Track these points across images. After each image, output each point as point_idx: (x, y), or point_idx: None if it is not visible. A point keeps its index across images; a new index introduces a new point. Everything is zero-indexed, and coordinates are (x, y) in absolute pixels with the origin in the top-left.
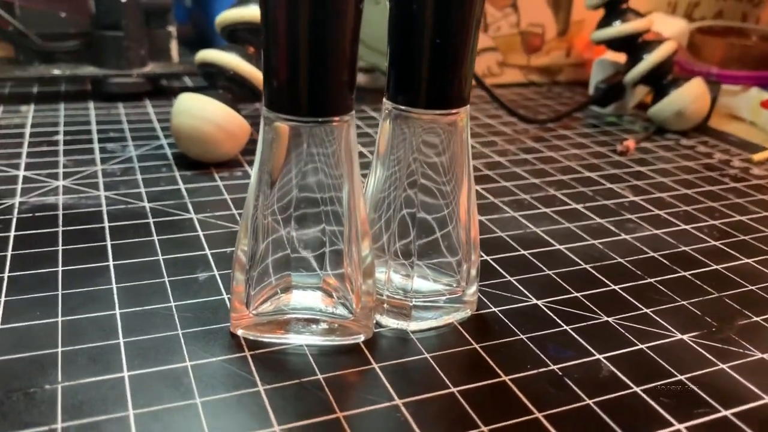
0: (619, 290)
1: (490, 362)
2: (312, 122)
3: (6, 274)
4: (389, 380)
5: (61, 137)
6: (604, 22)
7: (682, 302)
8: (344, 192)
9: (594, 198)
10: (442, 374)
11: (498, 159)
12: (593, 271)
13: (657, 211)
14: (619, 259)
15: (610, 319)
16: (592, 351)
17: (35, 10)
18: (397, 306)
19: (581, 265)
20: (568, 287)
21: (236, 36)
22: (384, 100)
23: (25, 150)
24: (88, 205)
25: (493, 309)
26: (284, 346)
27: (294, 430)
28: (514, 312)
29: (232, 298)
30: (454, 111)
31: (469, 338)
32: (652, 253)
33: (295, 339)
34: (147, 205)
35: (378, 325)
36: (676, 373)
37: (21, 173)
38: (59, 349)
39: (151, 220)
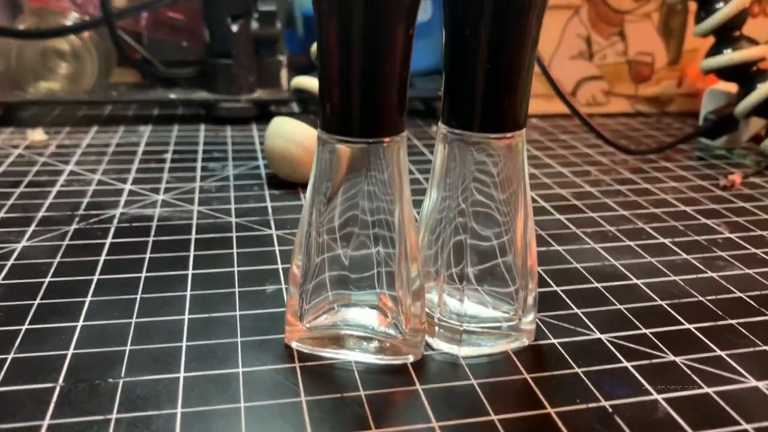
0: (693, 330)
1: (538, 393)
2: (363, 143)
3: (96, 277)
4: (430, 402)
5: (169, 156)
6: (714, 50)
7: (765, 347)
8: (396, 213)
9: (685, 233)
10: (485, 401)
11: (589, 189)
12: (669, 309)
13: (754, 250)
14: (701, 298)
15: (677, 359)
16: (650, 390)
17: (160, 40)
18: (449, 330)
19: (657, 301)
20: (637, 323)
21: None
22: (439, 123)
23: (135, 166)
24: (180, 217)
25: (553, 340)
26: (334, 360)
27: None
28: (573, 345)
29: (286, 311)
30: (508, 135)
31: (521, 368)
32: (739, 294)
33: (346, 355)
34: (233, 220)
35: (429, 347)
36: (741, 421)
37: (127, 187)
38: (127, 348)
39: (234, 234)
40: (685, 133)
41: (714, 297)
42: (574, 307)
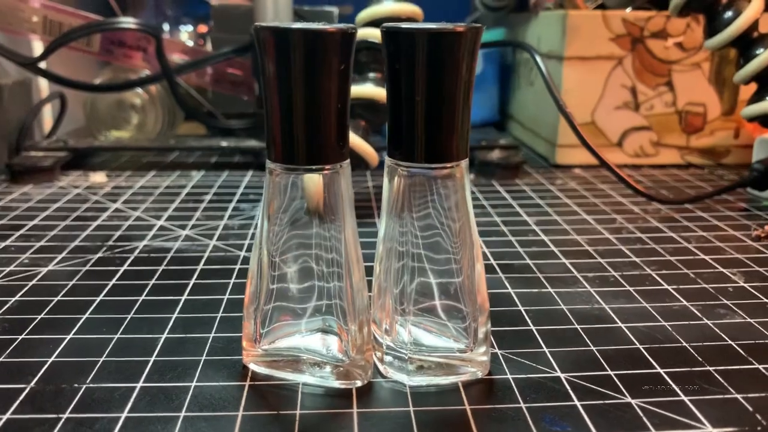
0: (664, 374)
1: (472, 424)
2: (304, 170)
3: (99, 298)
4: (359, 425)
5: (209, 197)
6: (756, 97)
7: (736, 395)
8: (342, 241)
9: (694, 281)
10: (414, 427)
11: (607, 236)
12: (645, 353)
13: (765, 300)
14: (685, 344)
15: (633, 401)
16: (591, 428)
17: (223, 95)
18: (398, 358)
19: (635, 345)
20: (605, 365)
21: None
22: (386, 156)
23: (174, 205)
24: (195, 250)
25: (508, 376)
26: (286, 382)
27: None
28: (528, 381)
29: (242, 334)
30: (449, 165)
31: (464, 399)
32: (729, 342)
33: (298, 377)
34: (242, 253)
35: (381, 375)
36: None
37: (159, 223)
38: (101, 359)
39: (237, 266)
40: (729, 183)
41: (700, 344)
42: (543, 346)
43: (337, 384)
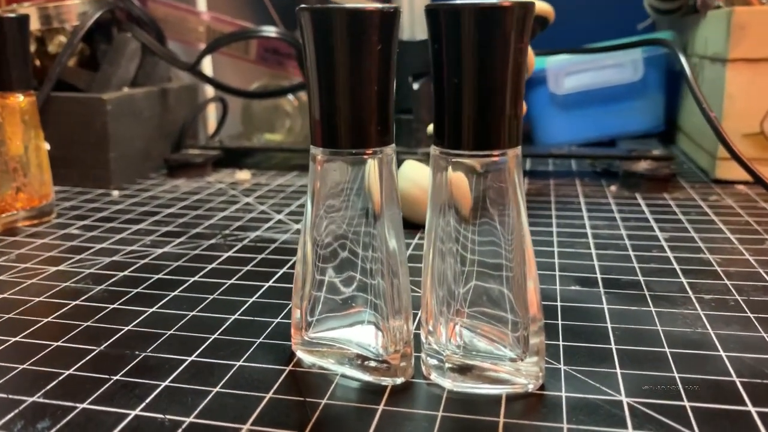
0: (754, 413)
1: None
2: (345, 153)
3: (193, 278)
4: (378, 421)
5: None
6: None
7: None
8: (381, 237)
9: None
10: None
11: (746, 257)
12: (740, 387)
13: None
14: None
15: None
16: None
17: None
18: (439, 360)
19: (731, 377)
20: (683, 395)
21: None
22: (432, 146)
23: (299, 202)
24: (296, 242)
25: (562, 393)
26: (326, 371)
27: None
28: (582, 401)
29: (291, 321)
30: (496, 153)
31: (503, 411)
32: None
33: (338, 368)
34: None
35: (424, 377)
36: None
37: (278, 216)
38: (169, 332)
39: None
40: None
41: None
42: (617, 366)
43: (373, 379)
